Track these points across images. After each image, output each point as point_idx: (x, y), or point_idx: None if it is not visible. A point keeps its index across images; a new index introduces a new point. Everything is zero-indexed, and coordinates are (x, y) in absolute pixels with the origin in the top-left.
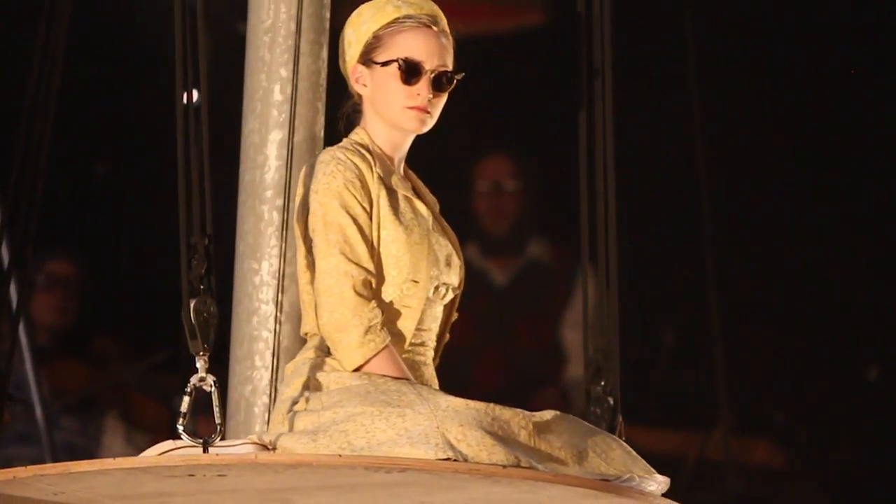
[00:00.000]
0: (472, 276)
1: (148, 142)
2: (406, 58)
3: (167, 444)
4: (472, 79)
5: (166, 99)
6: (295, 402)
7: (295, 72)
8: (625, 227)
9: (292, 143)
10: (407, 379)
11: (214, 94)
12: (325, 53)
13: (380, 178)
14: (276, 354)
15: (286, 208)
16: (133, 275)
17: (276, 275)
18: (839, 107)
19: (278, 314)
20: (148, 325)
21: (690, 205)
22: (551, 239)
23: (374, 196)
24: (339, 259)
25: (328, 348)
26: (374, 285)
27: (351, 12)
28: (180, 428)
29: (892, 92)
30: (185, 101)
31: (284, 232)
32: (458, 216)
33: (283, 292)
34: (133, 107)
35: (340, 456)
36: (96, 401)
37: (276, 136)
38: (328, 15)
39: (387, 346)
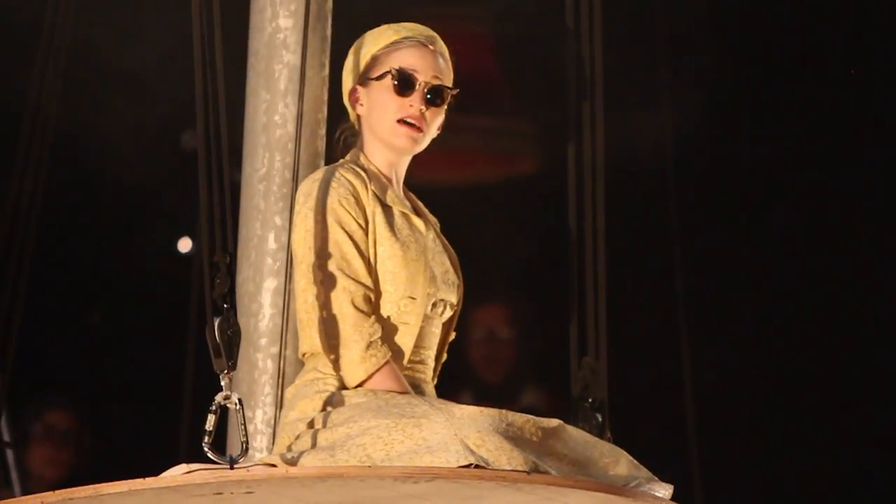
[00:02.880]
0: None
1: (141, 291)
2: (399, 68)
3: (181, 468)
4: (465, 228)
5: (159, 248)
6: (303, 423)
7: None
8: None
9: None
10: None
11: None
12: None
13: (375, 194)
14: None
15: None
16: (129, 426)
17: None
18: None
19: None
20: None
21: (671, 349)
22: (546, 387)
23: (369, 213)
24: (336, 275)
25: (329, 367)
26: (372, 300)
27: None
28: (206, 447)
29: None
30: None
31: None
32: (451, 364)
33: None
34: (125, 256)
35: (370, 467)
36: None
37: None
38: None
39: (388, 362)
